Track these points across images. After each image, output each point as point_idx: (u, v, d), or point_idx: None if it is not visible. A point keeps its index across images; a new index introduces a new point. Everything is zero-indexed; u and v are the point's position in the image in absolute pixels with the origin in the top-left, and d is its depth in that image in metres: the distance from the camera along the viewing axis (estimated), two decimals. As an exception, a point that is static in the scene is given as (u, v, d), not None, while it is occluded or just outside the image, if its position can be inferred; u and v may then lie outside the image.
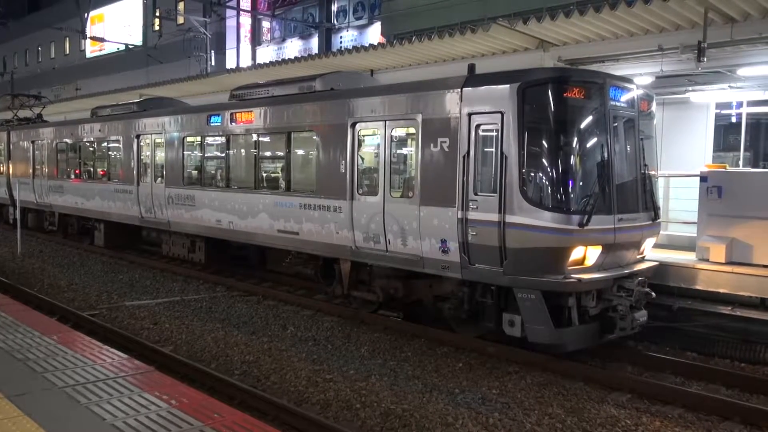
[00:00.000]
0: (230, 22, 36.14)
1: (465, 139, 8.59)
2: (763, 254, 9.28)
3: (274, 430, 4.67)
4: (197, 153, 14.14)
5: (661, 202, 10.05)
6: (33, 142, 21.48)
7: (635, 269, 8.79)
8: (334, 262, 11.11)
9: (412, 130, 9.47)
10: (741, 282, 9.02)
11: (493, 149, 8.35)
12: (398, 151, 9.90)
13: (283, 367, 8.50)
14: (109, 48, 46.11)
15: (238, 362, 8.78)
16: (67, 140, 19.37)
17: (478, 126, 8.50)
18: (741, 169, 12.14)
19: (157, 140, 15.18)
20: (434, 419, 6.83)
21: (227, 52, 36.68)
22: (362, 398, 7.40)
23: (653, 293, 8.66)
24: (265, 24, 35.87)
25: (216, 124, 13.32)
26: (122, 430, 4.45)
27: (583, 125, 8.39)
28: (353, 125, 10.24)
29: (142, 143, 15.77)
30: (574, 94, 8.17)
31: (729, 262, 9.41)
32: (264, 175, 12.52)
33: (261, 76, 16.34)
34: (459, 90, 8.71)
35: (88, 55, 50.76)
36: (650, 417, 7.09)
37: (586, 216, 7.93)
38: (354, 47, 14.84)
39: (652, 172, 9.31)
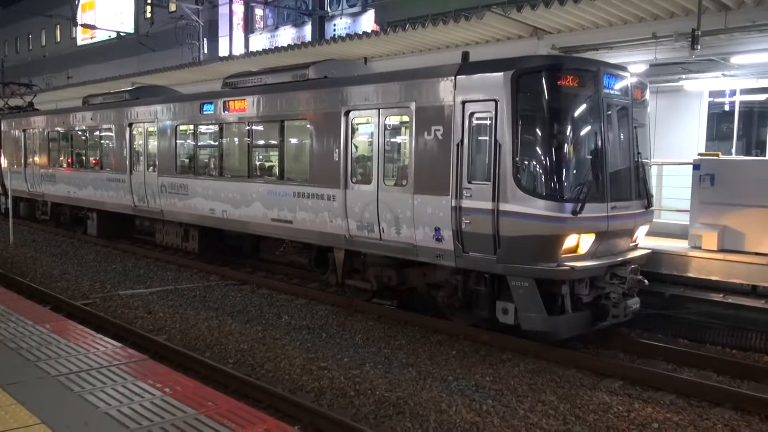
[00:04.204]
0: (223, 10, 35.85)
1: (459, 127, 8.57)
2: (754, 242, 9.33)
3: (269, 418, 4.68)
4: (190, 141, 14.07)
5: (654, 190, 10.08)
6: (24, 131, 21.33)
7: (628, 257, 8.82)
8: (328, 250, 11.11)
9: (405, 118, 9.45)
10: (733, 269, 9.08)
11: (487, 137, 8.34)
12: (392, 140, 9.87)
13: (278, 355, 8.52)
14: (100, 36, 45.70)
15: (232, 351, 8.78)
16: (59, 129, 19.24)
17: (471, 114, 8.48)
18: (733, 157, 12.18)
19: (150, 129, 15.10)
20: (428, 406, 6.87)
21: (220, 39, 36.41)
22: (356, 386, 7.42)
23: (646, 281, 8.69)
24: (258, 11, 35.59)
25: (209, 112, 13.25)
26: (116, 418, 4.44)
27: (576, 113, 8.38)
28: (347, 113, 10.20)
29: (134, 132, 15.67)
30: (568, 81, 8.16)
31: (721, 250, 9.46)
32: (257, 163, 12.48)
33: (254, 64, 16.26)
34: (453, 78, 8.68)
35: (80, 42, 50.30)
36: (642, 403, 7.15)
37: (580, 204, 7.95)
38: (347, 35, 14.78)
39: (645, 160, 9.32)
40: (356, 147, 10.32)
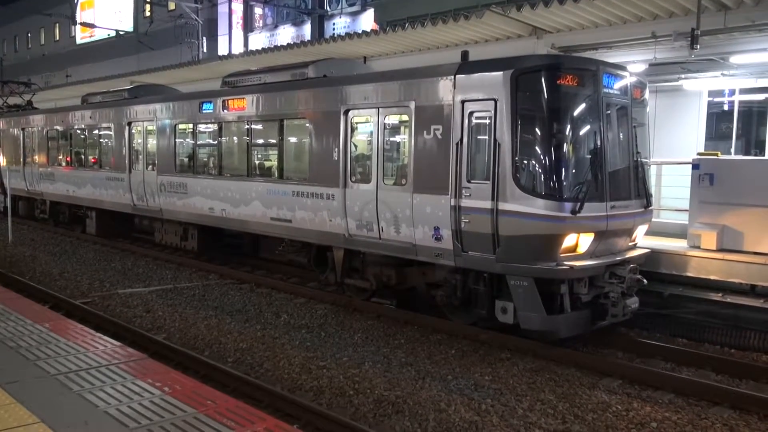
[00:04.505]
0: (222, 8, 35.85)
1: (458, 127, 8.57)
2: (753, 241, 9.34)
3: (268, 417, 4.68)
4: (189, 140, 14.06)
5: (653, 190, 10.08)
6: (23, 129, 21.31)
7: (627, 256, 8.83)
8: (327, 249, 11.11)
9: (405, 117, 9.45)
10: (731, 269, 9.08)
11: (486, 136, 8.34)
12: (391, 139, 9.87)
13: (277, 354, 8.52)
14: (99, 34, 45.70)
15: (231, 350, 8.78)
16: (58, 127, 19.22)
17: (471, 113, 8.48)
18: (733, 156, 12.19)
19: (149, 127, 15.09)
20: (427, 405, 6.87)
21: (219, 38, 36.41)
22: (355, 385, 7.43)
23: (645, 280, 8.71)
24: (257, 10, 35.59)
25: (208, 111, 13.25)
26: (115, 417, 4.45)
27: (576, 112, 8.38)
28: (346, 112, 10.20)
29: (133, 130, 15.66)
30: (568, 81, 8.15)
31: (720, 249, 9.47)
32: (257, 162, 12.47)
33: (253, 63, 16.25)
34: (452, 77, 8.68)
35: (78, 41, 50.26)
36: (641, 402, 7.16)
37: (579, 203, 7.95)
38: (347, 34, 14.78)
39: (645, 160, 9.32)
40: (355, 146, 10.31)
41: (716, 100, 13.51)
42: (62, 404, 4.69)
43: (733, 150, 13.35)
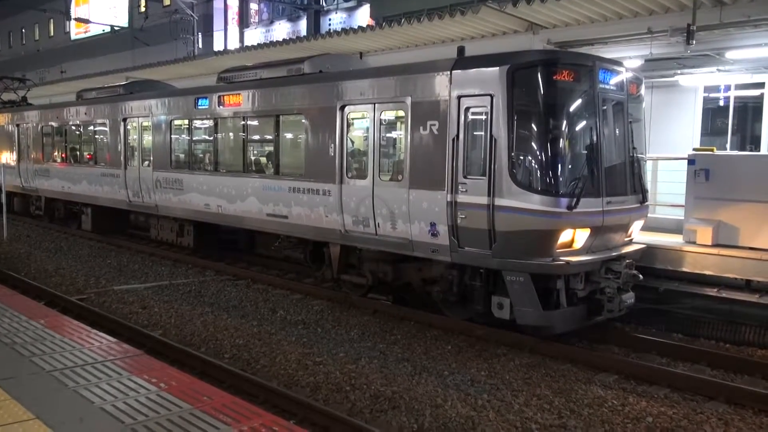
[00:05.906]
0: (217, 4, 35.75)
1: (454, 122, 8.56)
2: (749, 236, 9.37)
3: (264, 413, 4.68)
4: (185, 136, 14.03)
5: (649, 185, 10.09)
6: (18, 125, 21.23)
7: (623, 252, 8.84)
8: (324, 245, 11.10)
9: (401, 113, 9.43)
10: (727, 264, 9.11)
11: (483, 132, 8.33)
12: (387, 134, 9.86)
13: (273, 350, 8.52)
14: (94, 30, 45.54)
15: (227, 346, 8.78)
16: (53, 124, 19.15)
17: (467, 109, 8.48)
18: (728, 152, 12.22)
19: (144, 123, 15.04)
20: (424, 401, 6.88)
21: (215, 34, 36.30)
22: (352, 381, 7.43)
23: (640, 275, 8.73)
24: (253, 6, 35.51)
25: (203, 107, 13.21)
26: (111, 413, 4.44)
27: (572, 108, 8.38)
28: (342, 108, 10.18)
29: (128, 126, 15.61)
30: (564, 76, 8.15)
31: (715, 245, 9.49)
32: (252, 158, 12.45)
33: (249, 58, 16.19)
34: (448, 72, 8.67)
35: (73, 37, 50.08)
36: (636, 397, 7.18)
37: (575, 199, 7.95)
38: (343, 29, 14.74)
39: (641, 155, 9.33)
40: (352, 142, 10.30)
41: (712, 95, 13.54)
42: (58, 400, 4.68)
43: (728, 145, 13.38)
